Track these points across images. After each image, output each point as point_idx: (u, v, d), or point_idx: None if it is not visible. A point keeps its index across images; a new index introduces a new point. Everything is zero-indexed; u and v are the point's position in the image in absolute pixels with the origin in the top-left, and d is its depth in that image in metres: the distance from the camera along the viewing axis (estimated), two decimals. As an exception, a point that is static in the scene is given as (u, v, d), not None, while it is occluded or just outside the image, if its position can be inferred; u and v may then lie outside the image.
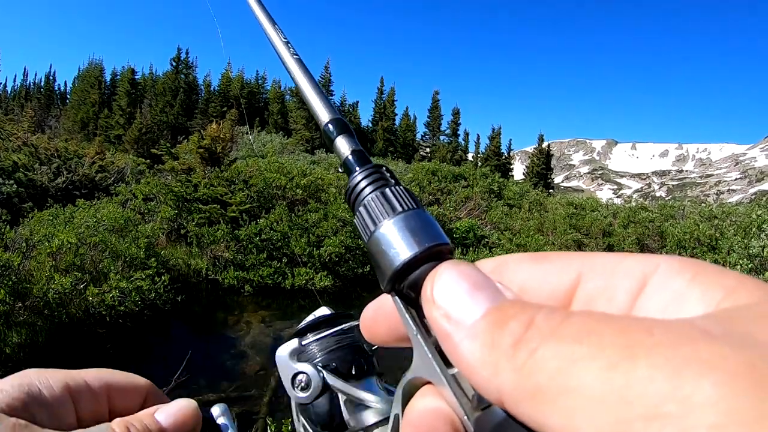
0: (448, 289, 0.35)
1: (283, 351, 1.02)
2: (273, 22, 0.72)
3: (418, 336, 0.38)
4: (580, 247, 16.32)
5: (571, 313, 0.29)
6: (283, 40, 0.68)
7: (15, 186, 14.12)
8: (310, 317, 1.13)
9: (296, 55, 0.66)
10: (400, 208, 0.43)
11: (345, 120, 0.58)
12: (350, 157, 0.52)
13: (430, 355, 0.37)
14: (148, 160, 21.61)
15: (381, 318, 0.45)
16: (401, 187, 0.46)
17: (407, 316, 0.40)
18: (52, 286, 7.48)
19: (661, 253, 12.26)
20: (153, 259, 9.75)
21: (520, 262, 0.40)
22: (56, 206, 13.23)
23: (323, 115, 0.58)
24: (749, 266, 7.62)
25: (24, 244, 8.28)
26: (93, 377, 0.60)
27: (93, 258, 8.98)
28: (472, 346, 0.31)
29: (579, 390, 0.25)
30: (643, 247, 15.09)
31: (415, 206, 0.44)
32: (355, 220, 0.47)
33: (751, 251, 8.80)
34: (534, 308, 0.31)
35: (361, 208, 0.46)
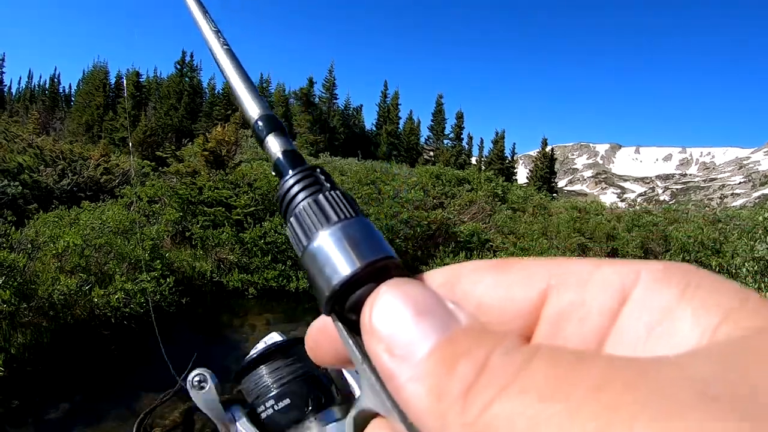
0: (389, 316, 0.31)
1: (209, 396, 0.96)
2: (204, 11, 0.67)
3: (365, 365, 0.33)
4: (584, 250, 16.31)
5: (535, 353, 0.24)
6: (213, 29, 0.64)
7: (20, 187, 14.15)
8: (261, 345, 1.08)
9: (227, 45, 0.61)
10: (335, 217, 0.38)
11: (277, 117, 0.52)
12: (281, 158, 0.47)
13: (378, 388, 0.32)
14: (153, 163, 21.65)
15: (325, 340, 0.40)
16: (338, 191, 0.41)
17: (351, 342, 0.35)
18: (57, 287, 7.48)
19: (665, 257, 12.23)
20: (158, 261, 9.75)
21: (478, 271, 0.35)
22: (61, 208, 13.27)
23: (253, 110, 0.53)
24: (755, 269, 7.58)
25: (29, 246, 8.29)
26: None
27: (98, 260, 8.99)
28: (418, 390, 0.27)
29: None
30: (647, 251, 15.06)
31: (353, 214, 0.39)
32: (286, 231, 0.42)
33: (756, 254, 8.79)
34: (490, 342, 0.27)
35: (292, 219, 0.41)
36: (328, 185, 0.42)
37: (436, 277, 0.36)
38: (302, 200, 0.41)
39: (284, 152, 0.47)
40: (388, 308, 0.31)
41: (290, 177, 0.44)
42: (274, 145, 0.49)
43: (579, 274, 0.31)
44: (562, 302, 0.30)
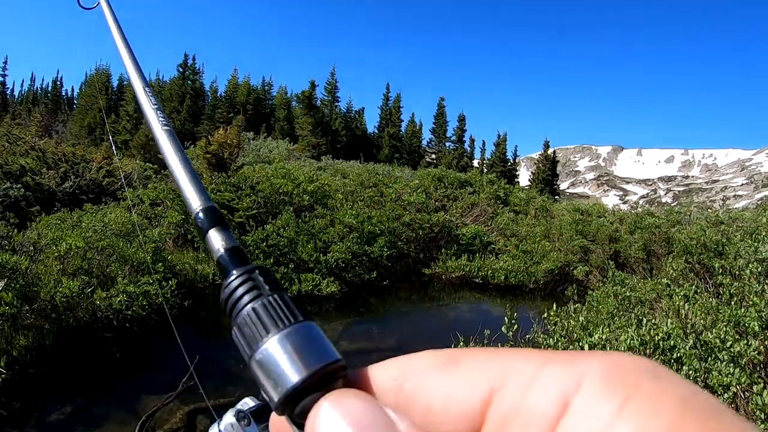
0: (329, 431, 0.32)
1: None
2: (145, 84, 0.66)
3: None
4: (586, 253, 16.29)
5: None
6: (154, 106, 0.62)
7: (22, 190, 14.17)
8: (231, 412, 1.05)
9: (167, 126, 0.59)
10: (275, 328, 0.39)
11: (218, 209, 0.52)
12: (224, 255, 0.47)
13: None
14: (155, 166, 21.69)
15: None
16: (277, 295, 0.42)
17: None
18: (60, 289, 7.48)
19: (667, 258, 12.22)
20: (160, 263, 9.76)
21: (427, 370, 0.35)
22: (64, 210, 13.28)
23: (194, 201, 0.52)
24: (759, 270, 7.56)
25: (31, 248, 8.30)
26: None
27: (100, 262, 9.00)
28: None
29: None
30: (649, 253, 15.03)
31: (293, 319, 0.40)
32: (233, 337, 0.42)
33: (759, 255, 8.77)
34: None
35: (236, 328, 0.41)
36: (268, 288, 0.43)
37: (388, 372, 0.36)
38: (244, 306, 0.41)
39: (227, 249, 0.47)
40: (329, 424, 0.32)
41: (233, 279, 0.44)
42: (217, 240, 0.48)
43: (522, 377, 0.31)
44: (505, 406, 0.31)
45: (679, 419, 0.25)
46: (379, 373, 0.37)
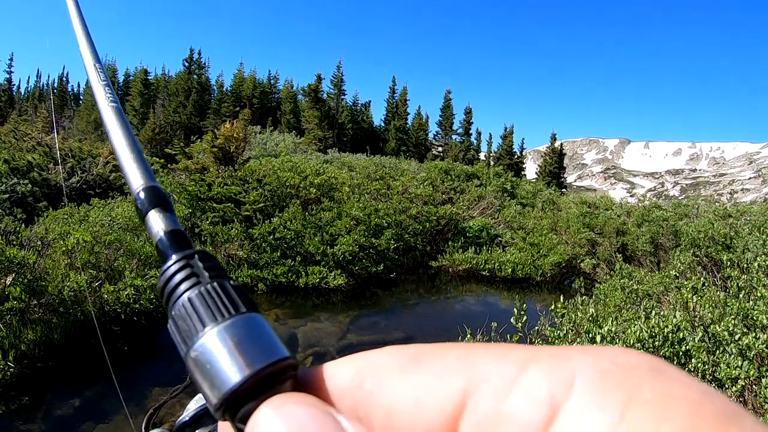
0: None
1: None
2: (96, 59, 0.62)
3: None
4: (594, 246, 16.26)
5: None
6: (102, 81, 0.58)
7: (30, 185, 14.22)
8: (192, 405, 1.03)
9: (114, 102, 0.56)
10: (212, 321, 0.35)
11: (161, 189, 0.47)
12: (163, 239, 0.42)
13: None
14: (162, 160, 21.71)
15: None
16: (217, 282, 0.37)
17: None
18: (68, 283, 7.51)
19: (674, 252, 12.18)
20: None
21: (388, 368, 0.31)
22: (71, 205, 13.31)
23: (136, 180, 0.47)
24: (767, 263, 7.53)
25: (39, 243, 8.33)
26: None
27: (108, 256, 9.02)
28: None
29: None
30: (657, 246, 14.99)
31: (234, 311, 0.35)
32: (168, 330, 0.38)
33: (767, 249, 8.74)
34: None
35: (171, 321, 0.37)
36: (207, 275, 0.38)
37: (344, 372, 0.32)
38: (180, 296, 0.37)
39: (166, 233, 0.43)
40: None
41: (170, 265, 0.40)
42: (157, 222, 0.44)
43: (500, 378, 0.27)
44: (482, 412, 0.26)
45: (692, 427, 0.21)
46: (334, 372, 0.33)
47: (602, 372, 0.25)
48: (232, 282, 0.38)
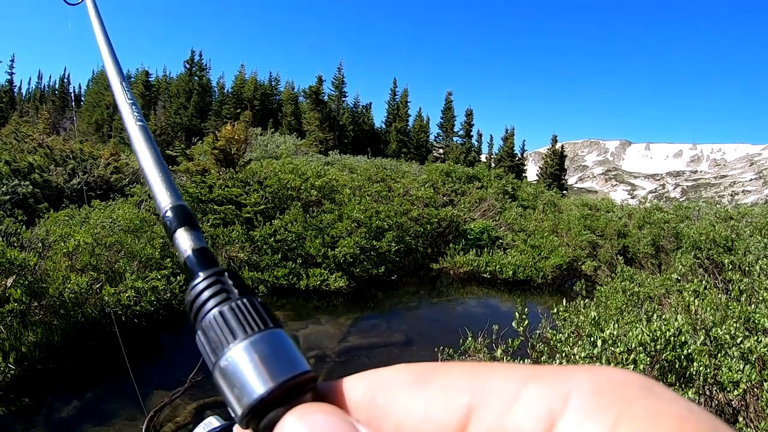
0: None
1: None
2: (122, 78, 0.64)
3: None
4: (595, 248, 16.25)
5: None
6: (129, 100, 0.60)
7: (31, 187, 14.22)
8: (199, 430, 1.03)
9: (141, 121, 0.57)
10: (242, 333, 0.37)
11: (188, 208, 0.50)
12: (191, 257, 0.45)
13: None
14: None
15: None
16: (246, 299, 0.40)
17: None
18: (68, 285, 7.50)
19: (676, 254, 12.16)
20: (168, 259, 9.78)
21: (398, 385, 0.33)
22: (72, 207, 13.31)
23: (164, 199, 0.51)
24: (768, 266, 7.52)
25: (40, 245, 8.32)
26: None
27: (109, 258, 9.01)
28: None
29: None
30: (658, 248, 14.98)
31: (262, 326, 0.38)
32: (196, 342, 0.40)
33: (769, 252, 8.74)
34: None
35: (200, 332, 0.39)
36: (237, 292, 0.41)
37: (358, 387, 0.34)
38: (210, 310, 0.39)
39: (195, 250, 0.45)
40: None
41: (199, 282, 0.42)
42: (185, 240, 0.46)
43: (502, 394, 0.29)
44: (485, 426, 0.28)
45: None
46: (350, 386, 0.35)
47: (597, 389, 0.26)
48: (258, 299, 0.41)
